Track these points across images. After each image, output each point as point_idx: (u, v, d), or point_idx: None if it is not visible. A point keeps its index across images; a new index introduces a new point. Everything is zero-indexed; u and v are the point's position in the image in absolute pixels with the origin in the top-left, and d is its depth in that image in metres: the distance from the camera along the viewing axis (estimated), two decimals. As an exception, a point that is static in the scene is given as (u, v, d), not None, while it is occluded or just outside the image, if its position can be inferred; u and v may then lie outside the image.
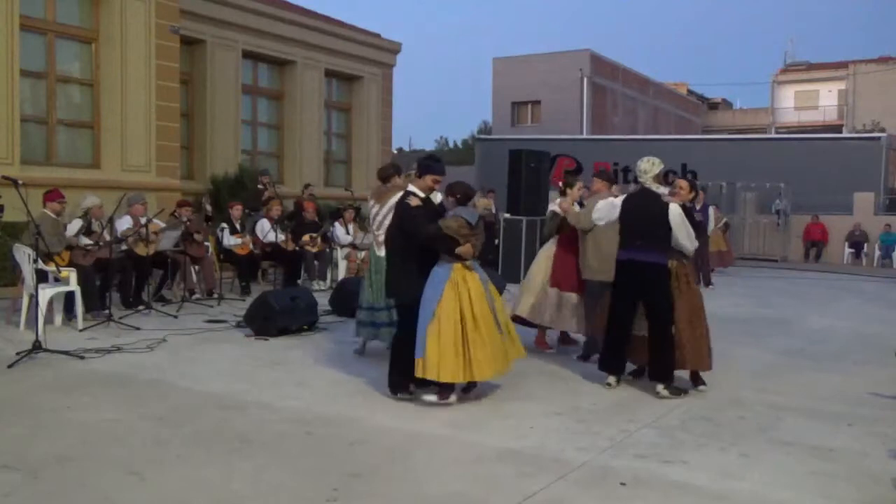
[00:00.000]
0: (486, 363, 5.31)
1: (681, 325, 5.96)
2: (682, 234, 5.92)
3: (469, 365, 5.25)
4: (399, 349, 5.53)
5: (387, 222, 6.40)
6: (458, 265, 5.36)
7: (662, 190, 6.04)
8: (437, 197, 5.86)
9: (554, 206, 7.45)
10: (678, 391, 5.86)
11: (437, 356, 5.20)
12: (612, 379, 6.08)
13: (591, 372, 6.60)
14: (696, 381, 6.12)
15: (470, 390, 5.58)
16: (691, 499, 3.89)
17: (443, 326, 5.23)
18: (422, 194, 5.62)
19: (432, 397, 5.35)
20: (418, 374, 5.26)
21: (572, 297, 7.16)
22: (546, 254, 7.46)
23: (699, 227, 6.17)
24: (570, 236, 7.20)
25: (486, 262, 12.30)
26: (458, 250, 5.32)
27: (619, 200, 6.25)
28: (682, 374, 6.09)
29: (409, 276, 5.46)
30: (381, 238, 6.59)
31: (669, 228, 5.89)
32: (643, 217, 5.96)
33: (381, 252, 6.57)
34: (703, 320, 6.10)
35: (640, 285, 5.94)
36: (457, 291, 5.30)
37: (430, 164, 5.75)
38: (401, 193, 6.16)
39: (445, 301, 5.27)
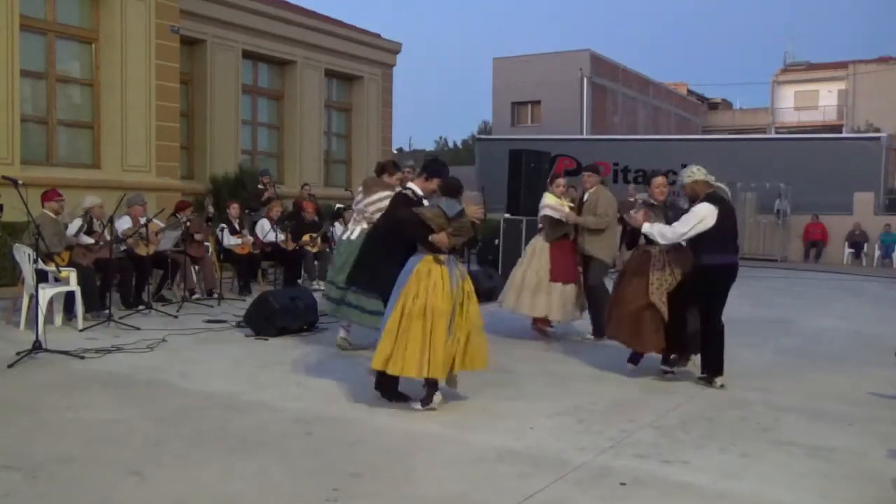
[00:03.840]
0: (442, 363, 5.08)
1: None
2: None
3: (428, 362, 5.05)
4: None
5: (367, 211, 7.04)
6: (428, 257, 5.19)
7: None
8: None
9: (550, 211, 7.89)
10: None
11: (400, 350, 5.05)
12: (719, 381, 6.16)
13: (591, 372, 6.61)
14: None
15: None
16: (691, 499, 3.88)
17: (405, 320, 5.08)
18: (420, 193, 5.69)
19: (416, 405, 5.23)
20: (378, 366, 5.13)
21: (568, 288, 7.80)
22: (532, 251, 8.04)
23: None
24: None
25: (485, 261, 12.37)
26: (431, 238, 5.16)
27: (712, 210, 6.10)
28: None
29: (390, 269, 5.43)
30: (354, 220, 7.26)
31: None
32: (734, 223, 6.21)
33: (352, 234, 7.16)
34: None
35: (719, 286, 6.20)
36: (418, 284, 5.13)
37: (438, 168, 5.78)
38: (387, 191, 6.59)
39: (408, 292, 5.13)
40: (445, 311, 5.09)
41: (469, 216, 5.32)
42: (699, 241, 6.04)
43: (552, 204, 7.89)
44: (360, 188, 7.37)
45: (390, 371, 5.13)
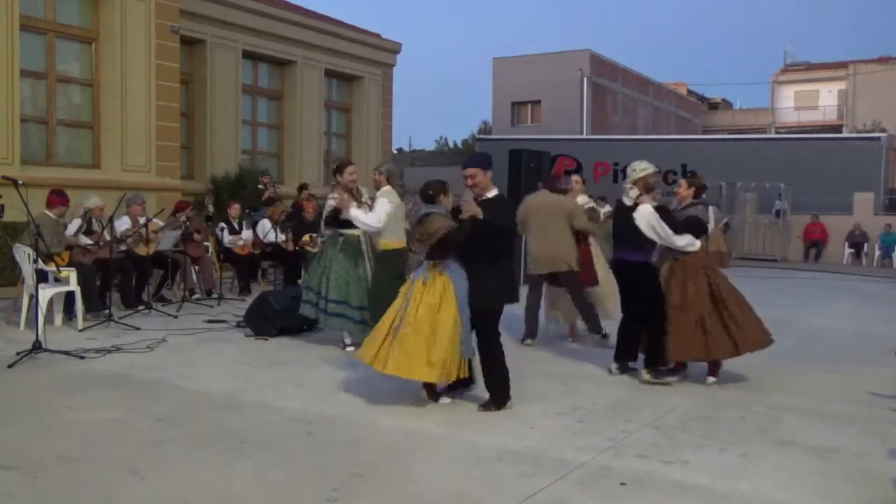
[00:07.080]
0: (397, 361, 5.13)
1: (682, 315, 6.13)
2: (651, 233, 6.12)
3: (386, 357, 5.17)
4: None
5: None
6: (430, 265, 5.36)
7: (633, 193, 6.29)
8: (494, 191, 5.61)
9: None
10: (660, 379, 6.15)
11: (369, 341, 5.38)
12: (613, 366, 6.46)
13: (591, 372, 6.61)
14: (713, 372, 6.38)
15: (456, 389, 5.52)
16: (691, 499, 3.89)
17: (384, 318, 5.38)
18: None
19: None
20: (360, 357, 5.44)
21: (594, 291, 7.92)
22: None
23: (692, 226, 6.23)
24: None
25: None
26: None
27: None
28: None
29: (495, 284, 5.34)
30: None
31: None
32: (624, 220, 6.33)
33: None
34: (719, 311, 6.19)
35: (628, 282, 6.41)
36: (408, 289, 5.39)
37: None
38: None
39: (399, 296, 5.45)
40: (422, 320, 5.15)
41: (466, 212, 5.21)
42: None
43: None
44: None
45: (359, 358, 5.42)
